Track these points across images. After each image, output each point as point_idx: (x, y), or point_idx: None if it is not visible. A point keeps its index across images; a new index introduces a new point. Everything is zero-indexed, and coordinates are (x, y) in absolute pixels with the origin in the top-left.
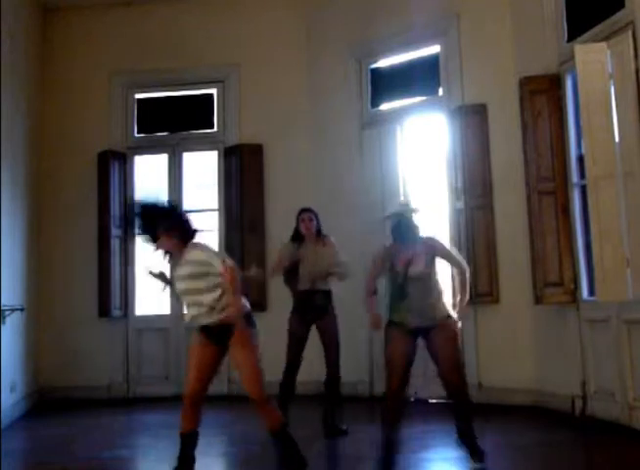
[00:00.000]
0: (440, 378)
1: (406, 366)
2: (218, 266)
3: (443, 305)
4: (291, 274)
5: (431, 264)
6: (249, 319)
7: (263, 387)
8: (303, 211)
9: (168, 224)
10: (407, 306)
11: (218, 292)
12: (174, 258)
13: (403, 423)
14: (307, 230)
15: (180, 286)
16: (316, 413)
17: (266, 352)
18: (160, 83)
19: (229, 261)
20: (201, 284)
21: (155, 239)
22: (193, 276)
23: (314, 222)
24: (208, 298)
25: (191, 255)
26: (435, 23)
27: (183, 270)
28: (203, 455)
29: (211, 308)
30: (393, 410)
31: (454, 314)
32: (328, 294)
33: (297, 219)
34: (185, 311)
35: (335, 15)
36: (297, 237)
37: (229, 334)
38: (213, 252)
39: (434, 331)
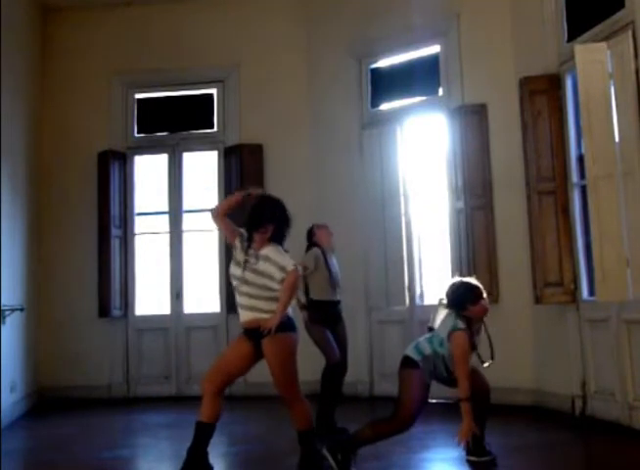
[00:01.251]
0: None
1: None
2: (288, 267)
3: None
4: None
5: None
6: (288, 323)
7: (296, 387)
8: (321, 225)
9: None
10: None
11: (275, 294)
12: (250, 246)
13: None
14: (329, 240)
15: (246, 275)
16: (315, 413)
17: None
18: (160, 83)
19: (295, 267)
20: (268, 282)
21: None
22: (264, 274)
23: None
24: (267, 294)
25: (262, 251)
26: (435, 23)
27: (260, 266)
28: None
29: (265, 301)
30: (390, 437)
31: None
32: (339, 303)
33: (311, 232)
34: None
35: (335, 15)
36: (314, 245)
37: (261, 335)
38: (286, 255)
39: None
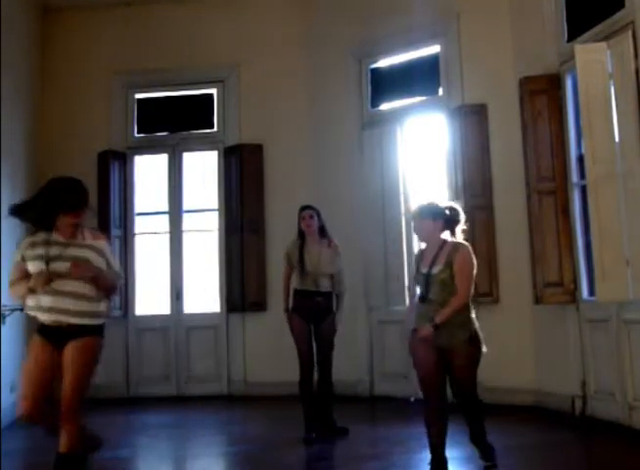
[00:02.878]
0: (450, 387)
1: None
2: (111, 265)
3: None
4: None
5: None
6: (100, 328)
7: (80, 401)
8: (304, 208)
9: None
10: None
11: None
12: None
13: (404, 423)
14: (308, 228)
15: (61, 267)
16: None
17: (265, 352)
18: (160, 83)
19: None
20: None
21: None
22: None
23: (315, 220)
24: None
25: (96, 243)
26: (435, 23)
27: (82, 253)
28: (203, 455)
29: (84, 302)
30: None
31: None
32: (330, 295)
33: (298, 217)
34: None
35: (335, 15)
36: (301, 235)
37: (72, 336)
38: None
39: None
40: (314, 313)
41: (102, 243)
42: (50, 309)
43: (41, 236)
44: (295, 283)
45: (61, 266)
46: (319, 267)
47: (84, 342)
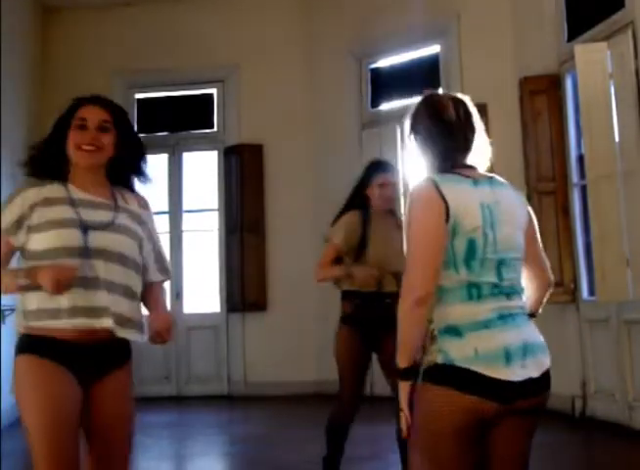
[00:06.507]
0: None
1: None
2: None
3: None
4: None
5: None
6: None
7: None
8: (381, 166)
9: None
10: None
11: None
12: None
13: None
14: (385, 201)
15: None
16: (315, 413)
17: (265, 352)
18: (160, 83)
19: None
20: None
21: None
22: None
23: (396, 189)
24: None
25: (144, 213)
26: (435, 23)
27: (134, 227)
28: (203, 455)
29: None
30: None
31: None
32: (397, 298)
33: (367, 179)
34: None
35: (335, 15)
36: (360, 206)
37: (113, 361)
38: None
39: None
40: (377, 326)
41: (149, 214)
42: (91, 312)
43: (56, 189)
44: (347, 281)
45: (111, 240)
46: (386, 259)
47: (128, 374)
